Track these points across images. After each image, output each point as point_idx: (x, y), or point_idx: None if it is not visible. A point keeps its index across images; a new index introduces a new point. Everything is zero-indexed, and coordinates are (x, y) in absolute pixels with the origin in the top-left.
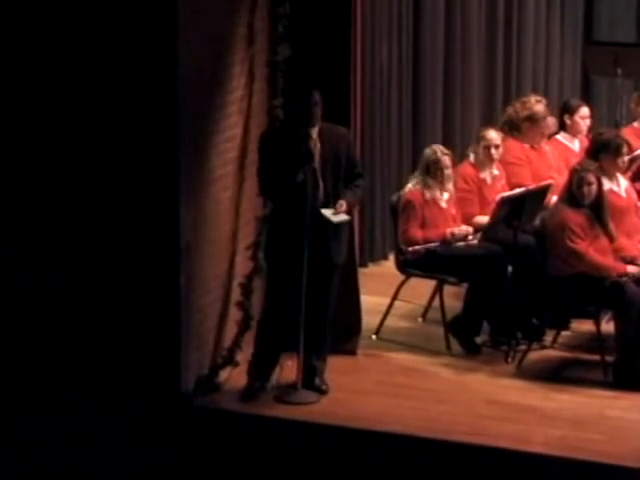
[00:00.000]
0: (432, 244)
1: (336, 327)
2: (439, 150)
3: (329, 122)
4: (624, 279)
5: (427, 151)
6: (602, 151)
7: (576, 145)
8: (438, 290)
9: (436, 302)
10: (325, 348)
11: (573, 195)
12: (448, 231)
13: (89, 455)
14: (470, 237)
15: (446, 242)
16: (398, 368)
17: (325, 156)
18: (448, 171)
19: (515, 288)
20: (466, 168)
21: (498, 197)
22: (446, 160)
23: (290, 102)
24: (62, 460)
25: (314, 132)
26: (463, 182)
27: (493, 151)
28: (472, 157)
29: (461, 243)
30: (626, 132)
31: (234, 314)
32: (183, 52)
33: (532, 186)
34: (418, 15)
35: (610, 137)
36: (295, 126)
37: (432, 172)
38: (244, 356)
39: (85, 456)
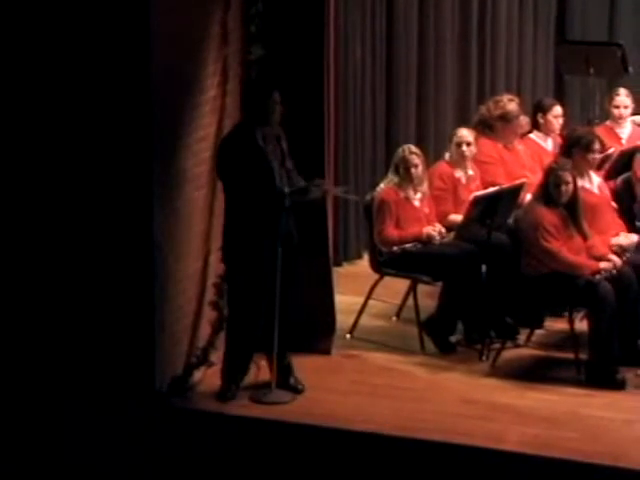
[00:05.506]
0: (409, 244)
1: (310, 327)
2: (407, 149)
3: None
4: (597, 277)
5: (397, 150)
6: (573, 147)
7: (549, 144)
8: (412, 289)
9: (410, 301)
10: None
11: (549, 194)
12: (424, 231)
13: (63, 455)
14: (443, 234)
15: (422, 242)
16: (373, 367)
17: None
18: (416, 170)
19: (489, 287)
20: (442, 167)
21: (471, 196)
22: (413, 159)
23: (250, 103)
24: (37, 460)
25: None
26: (439, 180)
27: (464, 148)
28: (447, 156)
29: (436, 241)
30: (599, 131)
31: (208, 314)
32: (156, 52)
33: (505, 185)
34: (391, 15)
35: (582, 133)
36: (252, 128)
37: (400, 171)
38: (218, 356)
39: (59, 456)
